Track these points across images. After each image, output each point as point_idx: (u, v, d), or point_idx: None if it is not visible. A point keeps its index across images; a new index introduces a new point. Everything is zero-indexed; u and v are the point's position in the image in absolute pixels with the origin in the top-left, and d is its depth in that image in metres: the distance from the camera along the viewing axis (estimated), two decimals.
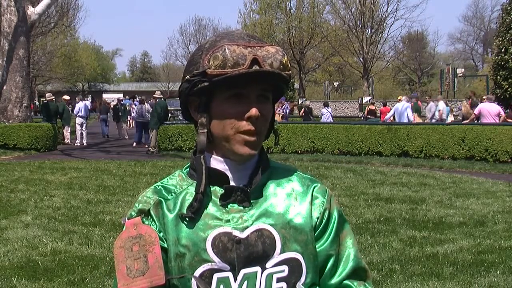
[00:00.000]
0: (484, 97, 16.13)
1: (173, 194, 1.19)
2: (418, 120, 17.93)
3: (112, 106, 26.13)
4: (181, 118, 20.24)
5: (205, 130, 1.15)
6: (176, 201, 1.17)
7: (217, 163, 1.18)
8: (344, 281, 1.20)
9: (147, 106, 19.04)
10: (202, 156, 1.15)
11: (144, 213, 1.17)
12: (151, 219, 1.17)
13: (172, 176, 1.24)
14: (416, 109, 20.75)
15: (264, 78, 1.11)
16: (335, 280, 1.20)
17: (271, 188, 1.20)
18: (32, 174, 10.91)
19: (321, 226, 1.19)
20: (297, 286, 1.14)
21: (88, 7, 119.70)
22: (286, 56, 1.14)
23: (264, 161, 1.21)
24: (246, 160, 1.16)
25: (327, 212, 1.20)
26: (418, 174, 11.18)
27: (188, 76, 1.15)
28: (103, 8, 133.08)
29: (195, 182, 1.17)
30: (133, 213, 1.18)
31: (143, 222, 1.15)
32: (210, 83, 1.11)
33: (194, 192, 1.15)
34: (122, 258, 1.10)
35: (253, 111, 1.11)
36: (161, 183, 1.22)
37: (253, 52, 1.10)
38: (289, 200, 1.19)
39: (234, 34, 1.16)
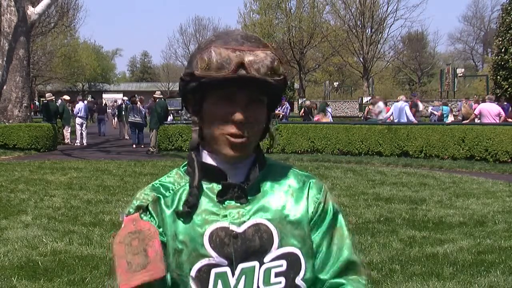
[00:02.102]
0: (486, 97, 16.16)
1: (171, 191, 1.20)
2: (324, 119, 18.18)
3: (117, 105, 26.21)
4: (185, 118, 20.14)
5: (197, 128, 1.17)
6: (174, 198, 1.18)
7: (215, 159, 1.19)
8: (336, 279, 1.19)
9: (139, 106, 18.97)
10: (193, 153, 1.17)
11: (143, 209, 1.17)
12: (149, 215, 1.17)
13: (170, 174, 1.25)
14: (322, 108, 21.15)
15: (250, 83, 1.11)
16: (325, 275, 1.19)
17: (268, 185, 1.20)
18: (32, 174, 10.91)
19: (314, 220, 1.20)
20: (296, 281, 1.14)
21: (88, 7, 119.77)
22: (277, 61, 1.13)
23: (261, 159, 1.22)
24: (233, 160, 1.17)
25: (321, 206, 1.21)
26: (418, 174, 11.17)
27: (182, 75, 1.17)
28: (103, 8, 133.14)
29: None
30: (131, 210, 1.19)
31: (142, 218, 1.15)
32: (198, 84, 1.12)
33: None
34: (122, 254, 1.10)
35: (237, 115, 1.11)
36: (159, 181, 1.23)
37: (241, 57, 1.09)
38: (286, 196, 1.19)
39: (230, 35, 1.15)
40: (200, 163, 1.17)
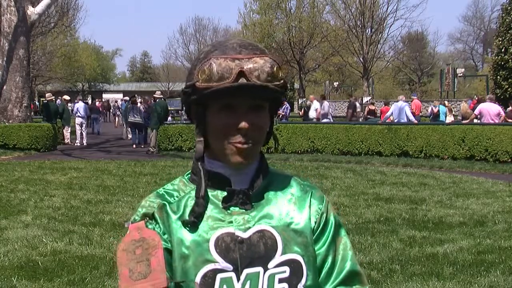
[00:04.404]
0: (486, 97, 16.18)
1: (175, 197, 1.21)
2: None
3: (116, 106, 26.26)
4: (185, 117, 20.18)
5: (202, 139, 1.18)
6: (180, 204, 1.19)
7: (219, 167, 1.20)
8: (339, 287, 1.22)
9: (139, 106, 18.91)
10: (200, 163, 1.18)
11: (148, 217, 1.18)
12: (155, 222, 1.18)
13: (174, 182, 1.26)
14: None
15: (251, 90, 1.12)
16: (333, 281, 1.22)
17: (272, 192, 1.22)
18: (32, 174, 10.91)
19: (318, 231, 1.22)
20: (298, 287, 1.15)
21: (88, 7, 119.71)
22: (276, 66, 1.14)
23: (264, 167, 1.24)
24: (239, 168, 1.18)
25: (324, 216, 1.23)
26: (418, 174, 11.17)
27: (183, 88, 1.19)
28: (103, 8, 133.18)
29: None
30: (136, 217, 1.20)
31: (147, 226, 1.16)
32: (200, 96, 1.14)
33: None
34: (125, 261, 1.11)
35: (242, 124, 1.12)
36: (163, 188, 1.24)
37: (240, 65, 1.10)
38: (289, 204, 1.21)
39: (227, 44, 1.16)
40: (206, 172, 1.18)
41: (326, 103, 19.97)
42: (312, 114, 19.30)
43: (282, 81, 1.16)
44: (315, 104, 19.27)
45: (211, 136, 1.17)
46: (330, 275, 1.22)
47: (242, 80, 1.10)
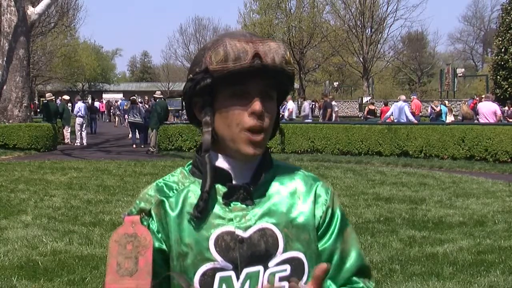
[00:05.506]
0: (483, 96, 16.24)
1: (174, 191, 1.18)
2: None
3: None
4: (185, 117, 20.19)
5: (210, 129, 1.14)
6: (178, 199, 1.17)
7: (221, 161, 1.18)
8: (352, 278, 1.20)
9: (139, 106, 18.92)
10: (207, 155, 1.14)
11: (145, 213, 1.16)
12: (151, 219, 1.16)
13: (174, 173, 1.23)
14: None
15: (266, 73, 1.11)
16: (342, 276, 1.19)
17: (275, 186, 1.19)
18: (32, 174, 10.91)
19: (324, 224, 1.19)
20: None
21: (88, 7, 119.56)
22: (288, 52, 1.13)
23: (268, 160, 1.21)
24: (251, 160, 1.16)
25: (330, 209, 1.20)
26: (418, 174, 11.18)
27: (191, 75, 1.15)
28: (103, 8, 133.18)
29: (197, 179, 1.17)
30: (133, 210, 1.18)
31: (142, 223, 1.14)
32: (212, 80, 1.11)
33: (196, 190, 1.15)
34: (115, 253, 1.09)
35: (257, 105, 1.10)
36: (163, 180, 1.22)
37: (255, 47, 1.09)
38: (293, 199, 1.18)
39: (236, 32, 1.16)
40: (213, 166, 1.15)
41: (306, 104, 19.98)
42: (285, 114, 19.36)
43: (293, 67, 1.16)
44: (289, 104, 19.38)
45: (221, 126, 1.14)
46: (340, 269, 1.19)
47: (258, 62, 1.09)
